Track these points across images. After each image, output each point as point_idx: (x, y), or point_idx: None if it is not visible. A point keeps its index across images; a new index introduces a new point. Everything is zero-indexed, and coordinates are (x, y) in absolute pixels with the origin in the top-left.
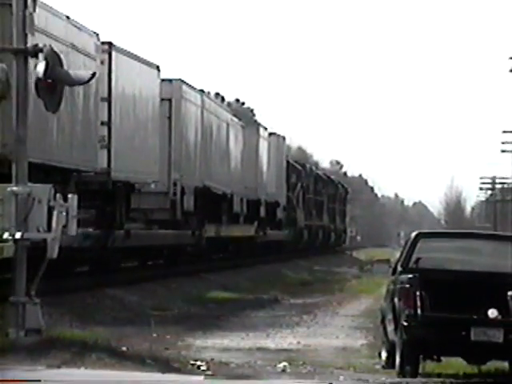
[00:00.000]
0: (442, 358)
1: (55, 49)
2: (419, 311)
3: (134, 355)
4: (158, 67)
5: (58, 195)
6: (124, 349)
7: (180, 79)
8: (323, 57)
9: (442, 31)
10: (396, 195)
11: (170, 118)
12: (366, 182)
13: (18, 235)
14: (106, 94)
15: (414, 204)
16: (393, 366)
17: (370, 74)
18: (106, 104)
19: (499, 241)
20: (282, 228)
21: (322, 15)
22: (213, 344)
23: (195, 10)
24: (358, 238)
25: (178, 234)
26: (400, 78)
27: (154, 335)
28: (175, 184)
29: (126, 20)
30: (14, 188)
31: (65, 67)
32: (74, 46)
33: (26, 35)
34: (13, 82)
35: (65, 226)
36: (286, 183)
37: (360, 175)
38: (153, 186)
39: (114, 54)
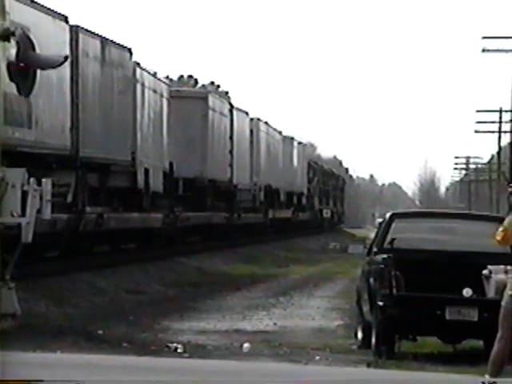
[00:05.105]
0: (418, 338)
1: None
2: (394, 291)
3: (110, 338)
4: (247, 112)
5: (31, 179)
6: (100, 332)
7: (258, 118)
8: (298, 37)
9: (415, 12)
10: (371, 176)
11: (251, 142)
12: (340, 163)
13: None
14: (229, 135)
15: (389, 185)
16: (369, 346)
17: (342, 55)
18: (229, 140)
19: (473, 220)
20: (305, 211)
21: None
22: (189, 327)
23: None
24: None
25: (256, 216)
26: (373, 58)
27: (131, 318)
28: (255, 184)
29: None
30: None
31: (216, 124)
32: (222, 114)
33: None
34: None
35: (39, 211)
36: (307, 177)
37: (334, 156)
38: (241, 185)
39: (234, 111)
